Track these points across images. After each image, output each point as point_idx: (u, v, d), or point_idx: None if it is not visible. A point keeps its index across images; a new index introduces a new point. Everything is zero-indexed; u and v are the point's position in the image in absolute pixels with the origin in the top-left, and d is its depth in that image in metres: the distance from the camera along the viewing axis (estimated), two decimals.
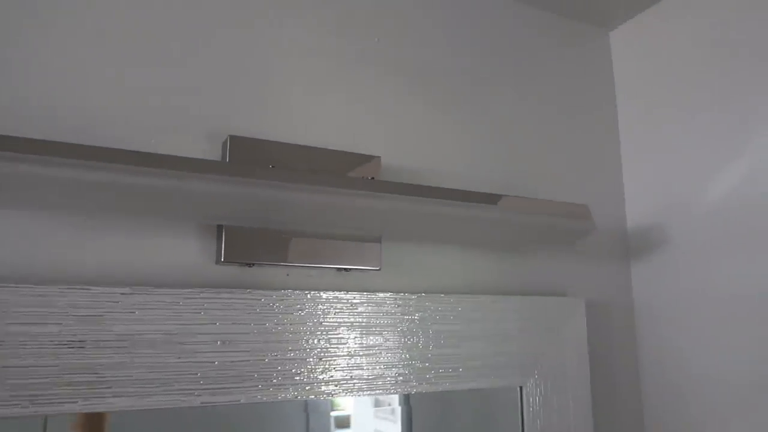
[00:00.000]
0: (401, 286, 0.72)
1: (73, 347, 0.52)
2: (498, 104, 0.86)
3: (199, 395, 0.56)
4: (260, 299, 0.61)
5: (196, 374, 0.56)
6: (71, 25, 0.60)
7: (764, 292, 0.74)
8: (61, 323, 0.52)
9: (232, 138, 0.63)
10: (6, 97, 0.56)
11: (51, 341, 0.51)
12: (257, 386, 0.59)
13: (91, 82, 0.59)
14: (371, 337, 0.66)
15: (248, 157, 0.63)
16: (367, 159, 0.70)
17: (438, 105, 0.81)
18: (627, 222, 0.94)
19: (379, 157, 0.70)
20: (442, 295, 0.71)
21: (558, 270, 0.85)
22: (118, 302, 0.54)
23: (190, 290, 0.58)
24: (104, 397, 0.52)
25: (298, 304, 0.63)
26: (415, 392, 0.68)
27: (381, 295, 0.68)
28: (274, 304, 0.61)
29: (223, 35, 0.67)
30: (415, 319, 0.69)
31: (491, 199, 0.70)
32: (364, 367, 0.65)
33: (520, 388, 0.75)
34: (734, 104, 0.80)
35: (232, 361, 0.58)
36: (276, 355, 0.60)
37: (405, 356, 0.68)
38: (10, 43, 0.57)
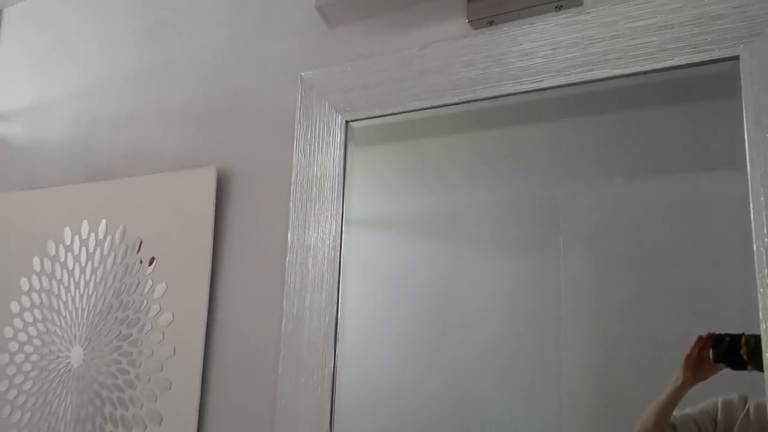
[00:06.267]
0: None
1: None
2: None
3: (452, 98, 0.97)
4: (492, 37, 0.96)
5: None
6: None
7: None
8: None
9: None
10: None
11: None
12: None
13: None
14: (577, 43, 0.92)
15: None
16: None
17: None
18: None
19: None
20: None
21: None
22: (414, 56, 0.99)
23: (443, 42, 0.98)
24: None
25: (523, 33, 0.94)
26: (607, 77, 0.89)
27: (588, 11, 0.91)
28: (506, 35, 0.95)
29: None
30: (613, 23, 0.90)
31: None
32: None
33: (738, 58, 0.80)
34: None
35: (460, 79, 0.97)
36: (500, 69, 0.95)
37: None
38: None
